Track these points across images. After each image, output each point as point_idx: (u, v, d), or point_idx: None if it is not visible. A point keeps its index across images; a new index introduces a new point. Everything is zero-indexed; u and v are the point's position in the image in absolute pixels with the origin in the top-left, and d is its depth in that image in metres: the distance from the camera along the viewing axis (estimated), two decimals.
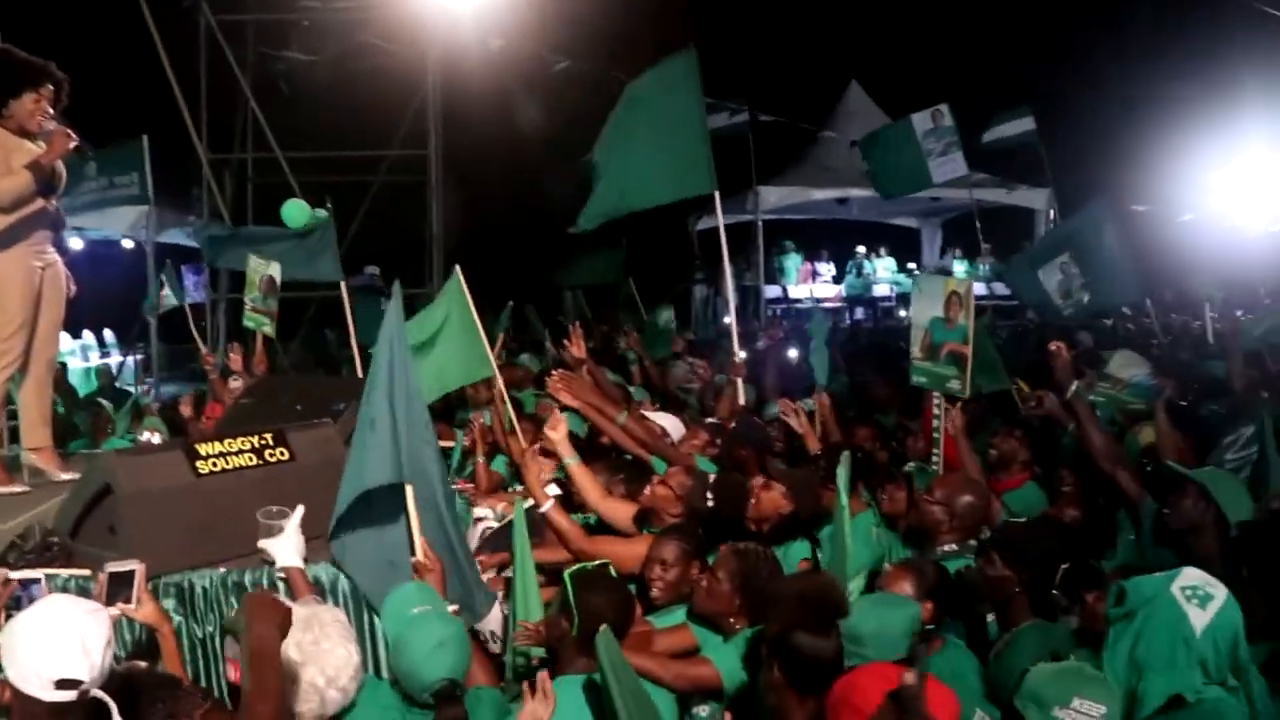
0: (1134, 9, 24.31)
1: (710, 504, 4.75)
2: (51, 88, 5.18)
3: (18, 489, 5.16)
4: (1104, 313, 12.22)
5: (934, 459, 5.83)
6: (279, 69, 17.06)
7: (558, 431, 5.12)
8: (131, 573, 3.30)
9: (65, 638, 2.48)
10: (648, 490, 4.91)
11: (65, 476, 5.23)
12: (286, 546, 3.70)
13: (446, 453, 7.03)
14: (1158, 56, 23.00)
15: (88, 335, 18.06)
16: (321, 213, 9.42)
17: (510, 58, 16.68)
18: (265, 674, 2.63)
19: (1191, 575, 2.99)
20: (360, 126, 17.46)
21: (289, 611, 2.83)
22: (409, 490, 3.82)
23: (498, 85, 18.44)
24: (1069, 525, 4.95)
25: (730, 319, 8.66)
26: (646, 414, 6.38)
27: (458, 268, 7.01)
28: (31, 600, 3.11)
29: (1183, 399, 7.52)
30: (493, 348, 8.00)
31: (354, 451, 3.83)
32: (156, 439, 7.21)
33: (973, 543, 4.46)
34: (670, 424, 6.31)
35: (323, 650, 3.02)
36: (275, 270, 9.17)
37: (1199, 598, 2.89)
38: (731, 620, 3.90)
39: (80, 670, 2.46)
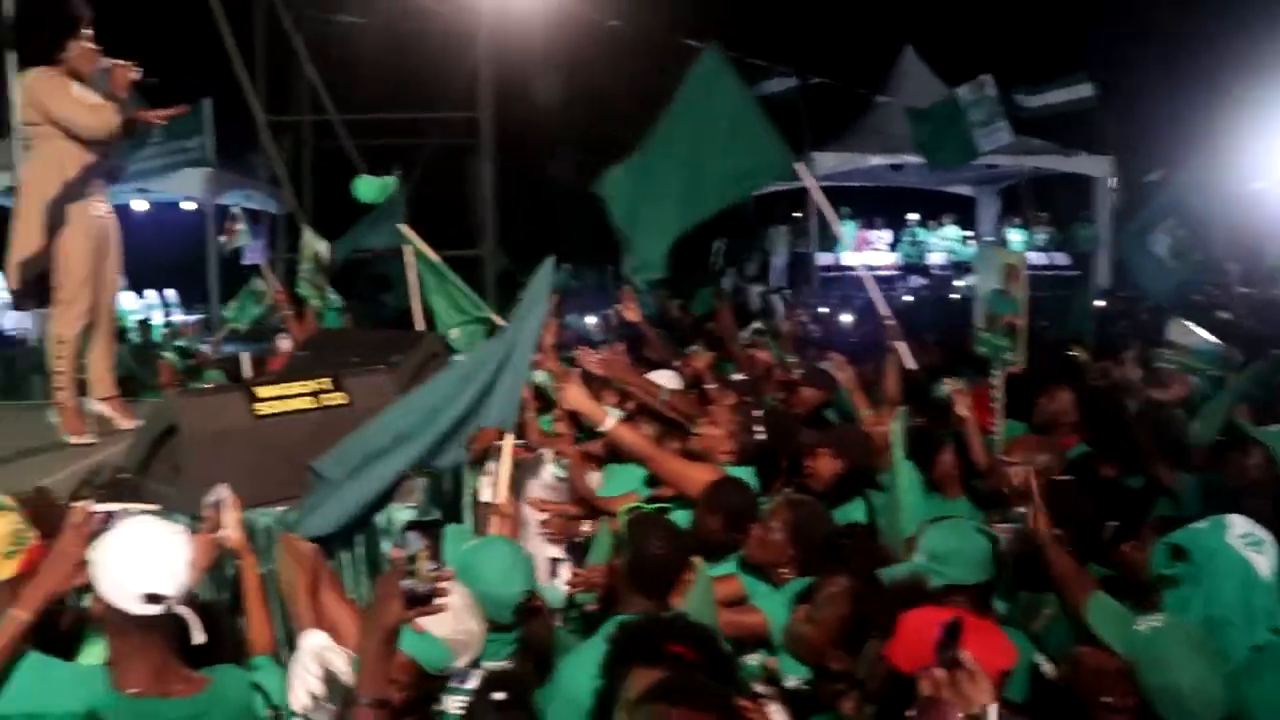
0: None
1: (762, 437, 4.63)
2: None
3: (88, 439, 5.26)
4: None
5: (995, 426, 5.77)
6: (331, 32, 17.13)
7: (573, 394, 4.56)
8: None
9: (153, 556, 2.61)
10: (696, 433, 4.72)
11: (133, 424, 5.26)
12: None
13: None
14: (1229, 35, 22.43)
15: (150, 294, 18.31)
16: (391, 180, 9.56)
17: (564, 19, 16.53)
18: None
19: (1241, 523, 2.99)
20: (413, 90, 17.51)
21: None
22: None
23: (553, 47, 18.35)
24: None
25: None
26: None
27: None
28: None
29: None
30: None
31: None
32: None
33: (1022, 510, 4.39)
34: (665, 378, 5.82)
35: None
36: (323, 247, 9.33)
37: (1254, 544, 2.90)
38: (782, 571, 3.83)
39: (166, 586, 2.59)
